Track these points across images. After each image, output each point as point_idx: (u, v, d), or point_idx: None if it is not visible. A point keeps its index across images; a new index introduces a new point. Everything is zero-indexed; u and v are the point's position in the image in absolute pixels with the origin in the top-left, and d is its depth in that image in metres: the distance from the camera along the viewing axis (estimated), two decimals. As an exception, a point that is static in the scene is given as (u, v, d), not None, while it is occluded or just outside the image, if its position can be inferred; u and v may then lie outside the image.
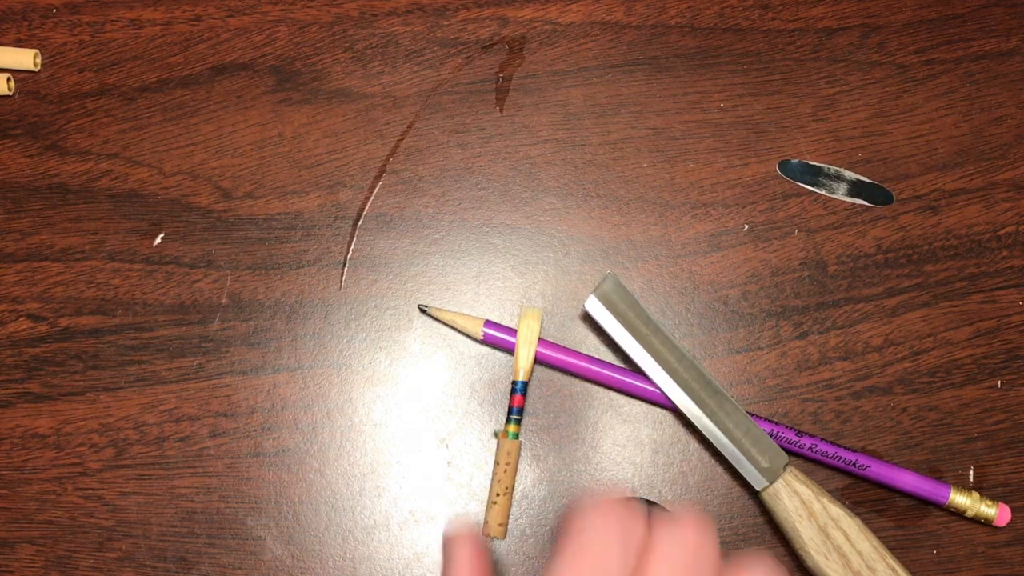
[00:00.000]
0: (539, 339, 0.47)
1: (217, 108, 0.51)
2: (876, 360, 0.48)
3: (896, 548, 0.47)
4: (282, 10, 0.52)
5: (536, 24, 0.52)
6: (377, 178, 0.50)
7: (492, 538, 0.36)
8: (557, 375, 0.48)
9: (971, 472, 0.48)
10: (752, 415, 0.46)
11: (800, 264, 0.49)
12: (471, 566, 0.31)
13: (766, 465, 0.44)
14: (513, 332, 0.47)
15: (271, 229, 0.50)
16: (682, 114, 0.51)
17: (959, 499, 0.46)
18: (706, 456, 0.48)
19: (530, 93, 0.51)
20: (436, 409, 0.48)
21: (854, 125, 0.51)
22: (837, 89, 0.51)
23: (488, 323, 0.47)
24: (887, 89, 0.51)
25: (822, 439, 0.46)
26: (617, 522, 0.29)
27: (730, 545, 0.47)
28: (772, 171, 0.50)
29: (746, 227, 0.50)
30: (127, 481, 0.47)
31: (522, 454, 0.47)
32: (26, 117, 0.51)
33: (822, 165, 0.50)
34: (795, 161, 0.50)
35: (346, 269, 0.49)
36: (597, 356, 0.48)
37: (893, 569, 0.43)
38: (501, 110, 0.51)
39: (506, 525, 0.37)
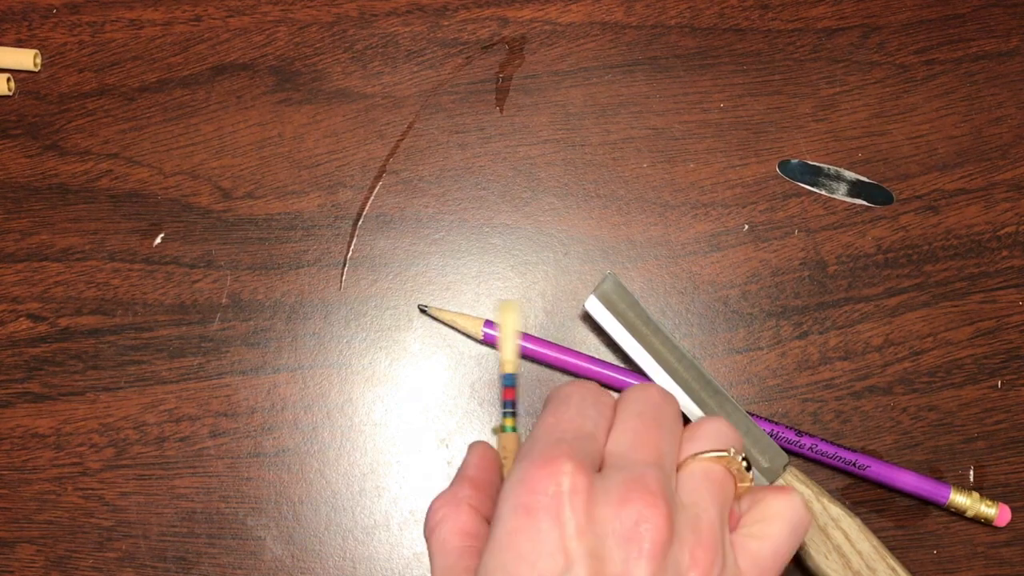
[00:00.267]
0: (537, 337, 0.47)
1: (217, 108, 0.51)
2: (876, 360, 0.48)
3: (896, 548, 0.47)
4: (282, 10, 0.52)
5: (536, 24, 0.52)
6: (377, 178, 0.50)
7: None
8: (557, 375, 0.48)
9: (971, 472, 0.48)
10: (752, 415, 0.46)
11: (800, 264, 0.49)
12: (479, 461, 0.36)
13: (766, 465, 0.44)
14: (513, 332, 0.47)
15: (271, 229, 0.50)
16: (682, 114, 0.51)
17: (959, 499, 0.46)
18: (706, 456, 0.48)
19: (530, 93, 0.51)
20: (436, 409, 0.48)
21: (854, 125, 0.51)
22: (837, 89, 0.51)
23: (488, 323, 0.47)
24: (887, 89, 0.51)
25: (822, 439, 0.46)
26: (594, 388, 0.33)
27: (730, 545, 0.47)
28: (772, 171, 0.50)
29: (746, 227, 0.50)
30: (127, 481, 0.47)
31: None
32: (26, 117, 0.51)
33: (822, 165, 0.50)
34: (795, 161, 0.50)
35: (346, 269, 0.49)
36: (597, 356, 0.48)
37: (893, 569, 0.43)
38: (501, 110, 0.51)
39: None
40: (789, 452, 0.47)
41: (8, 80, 0.51)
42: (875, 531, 0.47)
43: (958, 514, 0.47)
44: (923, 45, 0.52)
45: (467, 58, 0.52)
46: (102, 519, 0.47)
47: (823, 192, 0.50)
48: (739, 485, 0.32)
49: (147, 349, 0.48)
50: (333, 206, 0.50)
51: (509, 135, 0.51)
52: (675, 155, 0.50)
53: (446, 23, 0.52)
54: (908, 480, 0.46)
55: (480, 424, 0.48)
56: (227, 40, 0.52)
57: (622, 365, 0.48)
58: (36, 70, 0.51)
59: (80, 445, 0.47)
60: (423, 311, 0.49)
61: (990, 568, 0.47)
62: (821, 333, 0.49)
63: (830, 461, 0.46)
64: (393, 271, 0.49)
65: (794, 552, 0.32)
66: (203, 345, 0.48)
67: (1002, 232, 0.50)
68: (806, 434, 0.46)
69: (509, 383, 0.38)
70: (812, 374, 0.48)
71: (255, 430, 0.48)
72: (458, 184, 0.50)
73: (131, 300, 0.49)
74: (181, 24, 0.52)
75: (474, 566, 0.31)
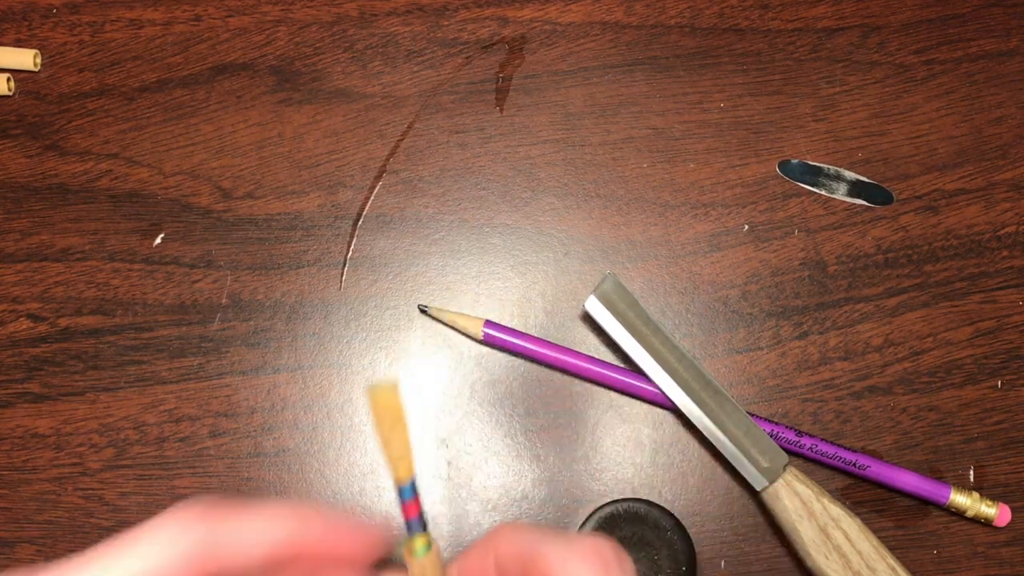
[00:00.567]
0: (537, 337, 0.46)
1: (217, 108, 0.51)
2: (876, 360, 0.48)
3: (896, 548, 0.47)
4: (282, 10, 0.52)
5: (536, 24, 0.52)
6: (377, 178, 0.50)
7: None
8: (557, 375, 0.48)
9: (971, 472, 0.48)
10: (752, 415, 0.46)
11: (800, 264, 0.49)
12: None
13: (766, 465, 0.44)
14: (513, 332, 0.47)
15: (271, 229, 0.50)
16: (682, 114, 0.51)
17: (959, 499, 0.46)
18: (706, 456, 0.48)
19: (530, 93, 0.51)
20: (436, 409, 0.48)
21: (854, 125, 0.51)
22: (837, 89, 0.51)
23: (488, 323, 0.47)
24: (887, 89, 0.51)
25: (822, 439, 0.46)
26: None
27: (730, 545, 0.47)
28: (772, 171, 0.50)
29: (746, 227, 0.50)
30: (127, 481, 0.47)
31: (523, 454, 0.47)
32: (26, 117, 0.51)
33: (822, 165, 0.50)
34: (795, 161, 0.50)
35: (346, 269, 0.49)
36: (597, 356, 0.48)
37: (893, 569, 0.43)
38: (501, 110, 0.51)
39: None
40: (789, 452, 0.47)
41: (8, 80, 0.51)
42: (875, 531, 0.47)
43: (958, 514, 0.47)
44: (923, 45, 0.52)
45: (467, 58, 0.52)
46: (102, 519, 0.47)
47: (823, 192, 0.50)
48: None
49: (147, 349, 0.48)
50: (333, 206, 0.50)
51: (509, 135, 0.51)
52: (675, 155, 0.50)
53: (446, 23, 0.52)
54: (908, 480, 0.46)
55: (480, 424, 0.48)
56: (227, 40, 0.52)
57: (622, 365, 0.48)
58: (36, 70, 0.51)
59: (80, 445, 0.47)
60: (423, 311, 0.49)
61: (990, 568, 0.47)
62: (821, 333, 0.49)
63: (830, 461, 0.46)
64: (393, 271, 0.49)
65: None
66: (203, 345, 0.48)
67: (1002, 232, 0.50)
68: (806, 434, 0.46)
69: (408, 496, 0.29)
70: (812, 374, 0.48)
71: (255, 430, 0.48)
72: (458, 184, 0.50)
73: (131, 300, 0.49)
74: (181, 24, 0.52)
75: None
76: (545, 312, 0.49)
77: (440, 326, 0.49)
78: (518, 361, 0.48)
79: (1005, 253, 0.49)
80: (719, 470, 0.47)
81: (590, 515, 0.44)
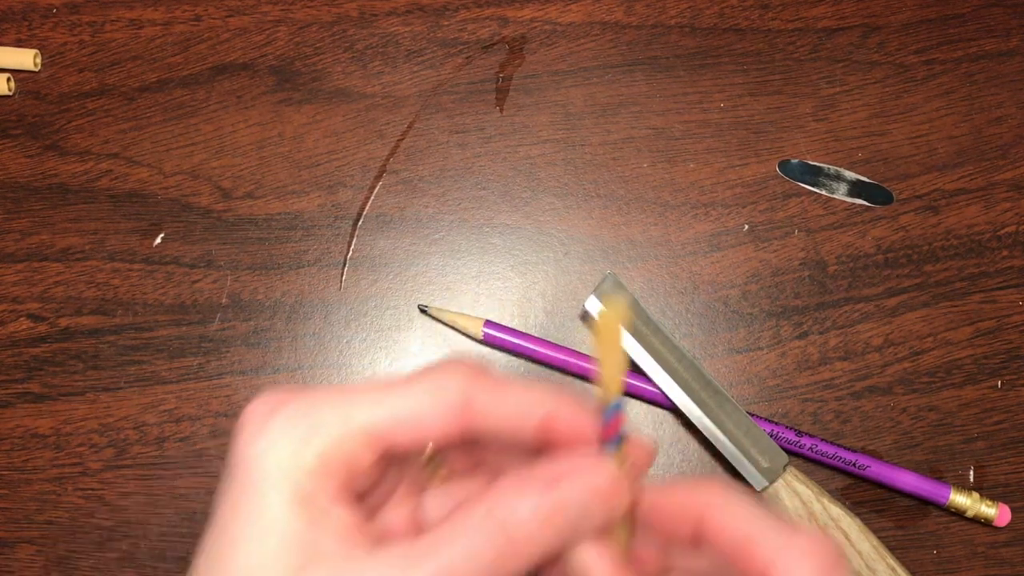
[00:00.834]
0: (537, 337, 0.45)
1: (217, 108, 0.51)
2: (876, 360, 0.48)
3: (896, 548, 0.47)
4: (282, 10, 0.52)
5: (536, 24, 0.52)
6: (377, 178, 0.50)
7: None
8: (557, 375, 0.48)
9: (971, 472, 0.48)
10: (752, 415, 0.46)
11: (800, 264, 0.49)
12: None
13: (766, 465, 0.44)
14: (513, 332, 0.47)
15: (271, 229, 0.50)
16: (682, 114, 0.51)
17: (959, 499, 0.46)
18: (706, 456, 0.48)
19: (530, 93, 0.51)
20: (436, 409, 0.48)
21: (854, 125, 0.51)
22: (837, 89, 0.51)
23: (488, 323, 0.47)
24: (887, 89, 0.51)
25: (822, 439, 0.46)
26: None
27: (730, 545, 0.47)
28: (772, 171, 0.50)
29: (746, 227, 0.50)
30: (127, 481, 0.47)
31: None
32: (26, 117, 0.51)
33: (822, 165, 0.50)
34: (795, 161, 0.50)
35: (346, 269, 0.49)
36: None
37: (893, 569, 0.43)
38: (501, 110, 0.51)
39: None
40: (789, 452, 0.47)
41: (8, 80, 0.51)
42: (875, 531, 0.47)
43: (958, 514, 0.47)
44: (923, 45, 0.52)
45: (467, 58, 0.52)
46: (102, 519, 0.47)
47: (823, 192, 0.50)
48: None
49: (147, 349, 0.48)
50: (333, 206, 0.50)
51: (509, 135, 0.51)
52: (675, 155, 0.50)
53: (446, 23, 0.52)
54: (908, 480, 0.46)
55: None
56: (227, 40, 0.52)
57: (622, 365, 0.48)
58: (36, 70, 0.51)
59: (80, 445, 0.47)
60: (423, 311, 0.49)
61: (990, 568, 0.47)
62: (821, 333, 0.49)
63: (830, 461, 0.46)
64: (393, 271, 0.49)
65: None
66: (203, 345, 0.48)
67: (1002, 232, 0.50)
68: (806, 434, 0.46)
69: (612, 415, 0.29)
70: (812, 374, 0.48)
71: (255, 430, 0.48)
72: (458, 184, 0.50)
73: (131, 300, 0.49)
74: (181, 24, 0.52)
75: None
76: (545, 312, 0.49)
77: (440, 326, 0.49)
78: (518, 361, 0.48)
79: (1005, 253, 0.49)
80: (719, 470, 0.47)
81: (590, 515, 0.44)
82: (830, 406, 0.48)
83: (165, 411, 0.48)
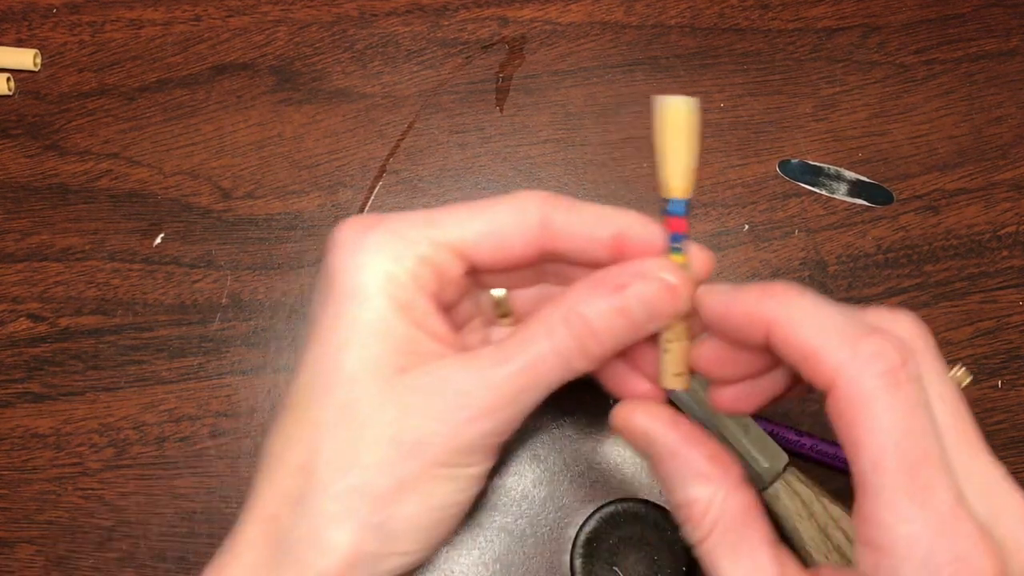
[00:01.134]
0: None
1: (217, 108, 0.51)
2: (876, 360, 0.48)
3: (896, 548, 0.47)
4: (282, 10, 0.52)
5: (536, 24, 0.52)
6: (377, 178, 0.50)
7: (670, 390, 0.31)
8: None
9: (971, 472, 0.48)
10: (752, 415, 0.46)
11: (800, 264, 0.49)
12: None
13: (766, 465, 0.44)
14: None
15: (271, 229, 0.50)
16: (682, 114, 0.51)
17: (959, 499, 0.45)
18: (706, 456, 0.48)
19: (530, 93, 0.51)
20: (436, 409, 0.48)
21: (854, 125, 0.51)
22: (837, 89, 0.51)
23: (488, 323, 0.47)
24: (887, 89, 0.51)
25: (822, 439, 0.46)
26: None
27: (730, 545, 0.47)
28: (772, 171, 0.50)
29: (746, 227, 0.50)
30: (127, 481, 0.47)
31: (522, 455, 0.47)
32: (26, 117, 0.51)
33: (822, 165, 0.50)
34: (795, 161, 0.50)
35: (346, 269, 0.49)
36: (597, 356, 0.48)
37: (893, 569, 0.43)
38: (501, 110, 0.51)
39: (686, 375, 0.30)
40: (789, 452, 0.47)
41: (8, 80, 0.51)
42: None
43: (958, 514, 0.47)
44: (923, 45, 0.52)
45: (467, 58, 0.52)
46: (102, 519, 0.47)
47: (823, 192, 0.50)
48: None
49: (147, 349, 0.48)
50: (333, 206, 0.50)
51: (509, 135, 0.51)
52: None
53: (446, 23, 0.52)
54: (908, 480, 0.46)
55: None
56: (227, 40, 0.52)
57: (622, 365, 0.48)
58: (36, 70, 0.51)
59: (80, 445, 0.47)
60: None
61: (990, 568, 0.47)
62: (821, 333, 0.49)
63: (830, 461, 0.46)
64: (393, 271, 0.49)
65: None
66: (203, 345, 0.48)
67: (1002, 232, 0.50)
68: (806, 434, 0.46)
69: (679, 211, 0.29)
70: (812, 374, 0.48)
71: (255, 430, 0.48)
72: (458, 184, 0.50)
73: (131, 300, 0.49)
74: (181, 24, 0.52)
75: None
76: (545, 312, 0.49)
77: (440, 326, 0.49)
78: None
79: (1005, 253, 0.49)
80: (719, 470, 0.47)
81: (591, 515, 0.44)
82: (830, 406, 0.48)
83: (165, 411, 0.48)
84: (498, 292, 0.33)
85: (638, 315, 0.29)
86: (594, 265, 0.31)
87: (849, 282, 0.49)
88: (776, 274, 0.49)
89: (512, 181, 0.50)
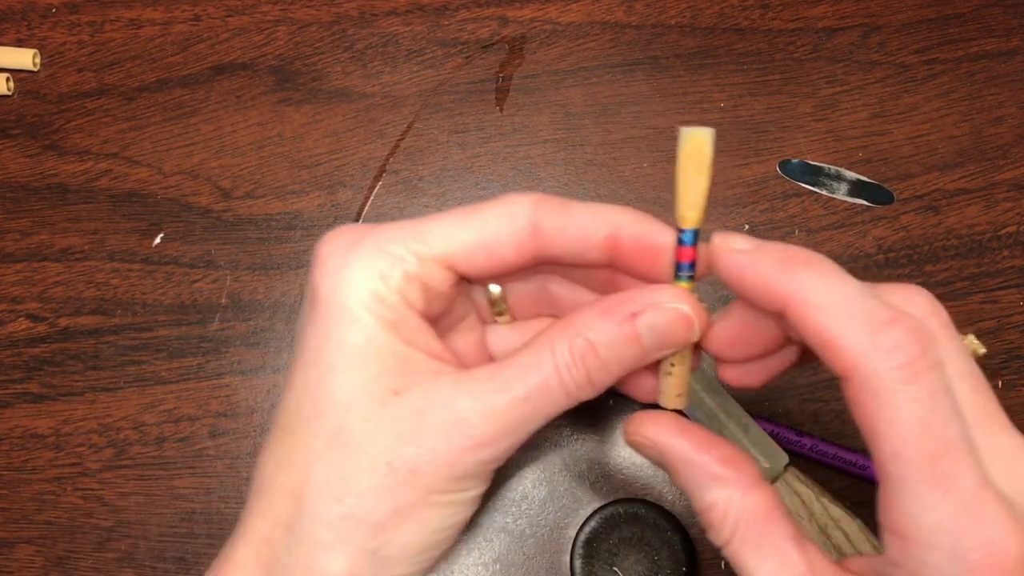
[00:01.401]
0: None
1: (217, 108, 0.51)
2: (876, 360, 0.48)
3: (896, 548, 0.47)
4: (281, 10, 0.52)
5: (536, 24, 0.52)
6: (377, 178, 0.50)
7: (671, 410, 0.31)
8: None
9: (972, 472, 0.47)
10: (752, 415, 0.46)
11: (800, 264, 0.49)
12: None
13: (766, 465, 0.44)
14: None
15: (271, 229, 0.49)
16: (682, 114, 0.51)
17: (960, 499, 0.45)
18: (706, 456, 0.47)
19: (530, 93, 0.51)
20: (436, 409, 0.48)
21: (854, 125, 0.51)
22: (837, 89, 0.51)
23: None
24: (887, 89, 0.51)
25: (822, 439, 0.46)
26: None
27: (730, 545, 0.47)
28: (772, 171, 0.50)
29: (746, 227, 0.50)
30: (127, 481, 0.47)
31: (522, 455, 0.47)
32: (25, 117, 0.51)
33: (822, 165, 0.50)
34: (795, 161, 0.50)
35: (346, 269, 0.49)
36: (597, 356, 0.48)
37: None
38: (501, 110, 0.51)
39: (686, 395, 0.31)
40: (789, 452, 0.46)
41: (7, 80, 0.50)
42: (875, 531, 0.47)
43: (959, 514, 0.47)
44: (923, 45, 0.52)
45: (467, 58, 0.51)
46: (101, 519, 0.47)
47: (823, 192, 0.50)
48: None
49: (146, 349, 0.48)
50: (333, 206, 0.50)
51: (509, 135, 0.51)
52: (675, 155, 0.50)
53: (446, 23, 0.52)
54: (908, 480, 0.46)
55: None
56: (226, 40, 0.52)
57: (622, 365, 0.48)
58: (35, 70, 0.51)
59: (79, 445, 0.47)
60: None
61: (991, 568, 0.47)
62: (821, 333, 0.48)
63: (830, 461, 0.46)
64: (393, 271, 0.49)
65: None
66: (203, 345, 0.48)
67: (1003, 232, 0.50)
68: (806, 434, 0.46)
69: (689, 242, 0.29)
70: (812, 374, 0.48)
71: (255, 430, 0.48)
72: (458, 184, 0.50)
73: (130, 300, 0.49)
74: (180, 24, 0.52)
75: None
76: (545, 312, 0.49)
77: (440, 326, 0.49)
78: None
79: (1006, 253, 0.49)
80: (719, 470, 0.47)
81: (591, 515, 0.44)
82: (830, 406, 0.48)
83: (164, 411, 0.48)
84: (494, 289, 0.32)
85: (648, 344, 0.29)
86: (590, 267, 0.30)
87: (849, 282, 0.49)
88: (776, 274, 0.49)
89: (512, 181, 0.50)
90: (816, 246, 0.49)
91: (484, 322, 0.33)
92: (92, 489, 0.47)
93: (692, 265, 0.29)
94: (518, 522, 0.47)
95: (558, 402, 0.28)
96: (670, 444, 0.30)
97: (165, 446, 0.47)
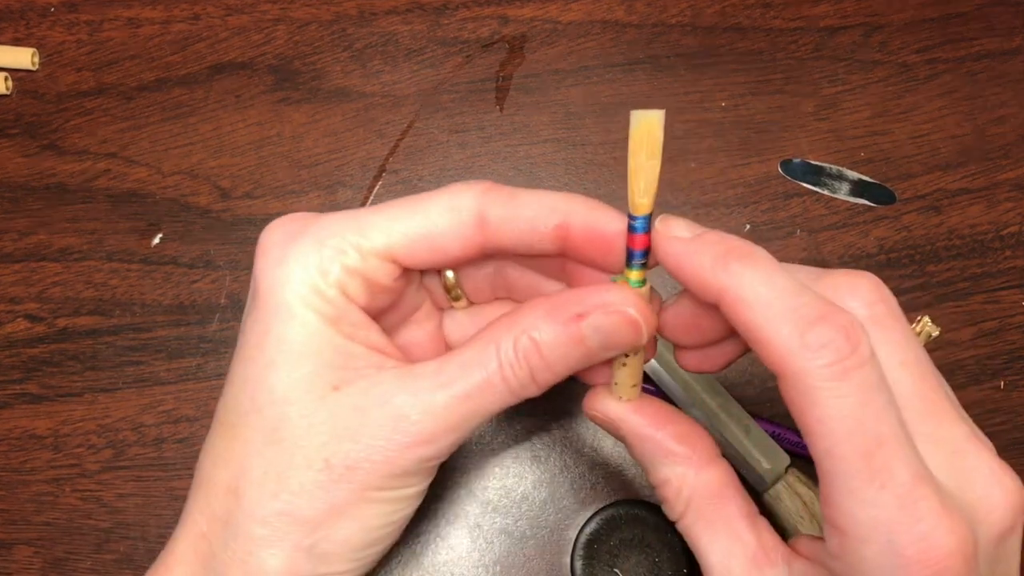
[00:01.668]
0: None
1: (216, 107, 0.51)
2: (878, 361, 0.48)
3: (898, 550, 0.47)
4: (281, 9, 0.52)
5: (536, 23, 0.52)
6: (377, 178, 0.50)
7: (623, 399, 0.30)
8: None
9: (973, 473, 0.47)
10: (753, 416, 0.46)
11: (802, 264, 0.49)
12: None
13: (768, 467, 0.44)
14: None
15: (270, 229, 0.49)
16: (683, 113, 0.51)
17: (962, 501, 0.45)
18: (707, 457, 0.47)
19: (530, 92, 0.51)
20: (436, 410, 0.48)
21: (856, 124, 0.50)
22: (839, 88, 0.51)
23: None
24: (889, 88, 0.51)
25: (824, 440, 0.46)
26: None
27: (731, 547, 0.46)
28: (774, 171, 0.50)
29: (748, 227, 0.49)
30: (125, 482, 0.47)
31: (522, 455, 0.47)
32: (24, 116, 0.50)
33: (824, 165, 0.50)
34: (797, 161, 0.50)
35: (345, 269, 0.49)
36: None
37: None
38: (501, 109, 0.51)
39: (639, 385, 0.31)
40: (791, 453, 0.46)
41: (6, 79, 0.50)
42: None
43: (960, 516, 0.46)
44: (925, 44, 0.51)
45: (467, 57, 0.51)
46: (100, 520, 0.47)
47: (825, 192, 0.50)
48: None
49: (145, 350, 0.48)
50: (332, 206, 0.50)
51: (509, 134, 0.50)
52: (676, 155, 0.50)
53: (446, 22, 0.52)
54: (910, 481, 0.46)
55: (480, 425, 0.48)
56: (226, 39, 0.51)
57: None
58: (34, 69, 0.51)
59: (78, 446, 0.47)
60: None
61: (993, 570, 0.46)
62: (823, 334, 0.48)
63: (832, 462, 0.46)
64: (393, 271, 0.49)
65: None
66: (202, 346, 0.48)
67: (1005, 232, 0.49)
68: (808, 435, 0.46)
69: (641, 229, 0.28)
70: (814, 375, 0.48)
71: (254, 431, 0.47)
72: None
73: (129, 300, 0.49)
74: (179, 23, 0.51)
75: None
76: (545, 312, 0.49)
77: (440, 326, 0.48)
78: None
79: (1008, 253, 0.49)
80: (720, 471, 0.47)
81: (591, 517, 0.44)
82: (832, 407, 0.48)
83: (163, 412, 0.48)
84: (449, 275, 0.31)
85: (594, 345, 0.28)
86: (540, 257, 0.30)
87: (851, 282, 0.49)
88: (777, 274, 0.49)
89: (512, 181, 0.50)
90: (818, 246, 0.49)
91: (440, 308, 0.33)
92: (91, 490, 0.47)
93: (645, 253, 0.28)
94: (518, 524, 0.47)
95: (501, 400, 0.28)
96: (625, 420, 0.30)
97: (164, 447, 0.47)
